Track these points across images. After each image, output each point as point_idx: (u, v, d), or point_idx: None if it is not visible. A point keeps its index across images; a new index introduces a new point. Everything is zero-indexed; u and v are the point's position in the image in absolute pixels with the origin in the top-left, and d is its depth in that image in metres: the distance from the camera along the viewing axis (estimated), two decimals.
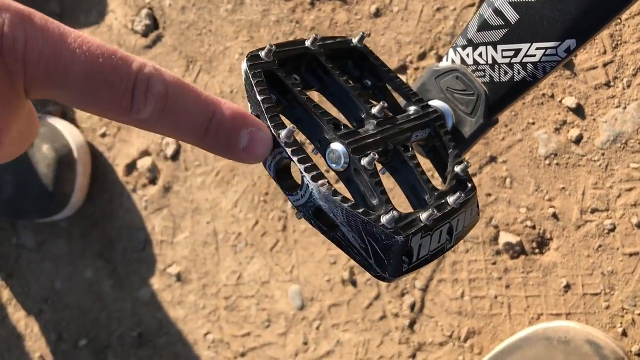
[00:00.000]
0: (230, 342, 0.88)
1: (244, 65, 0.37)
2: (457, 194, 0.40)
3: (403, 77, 0.75)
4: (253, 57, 0.38)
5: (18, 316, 1.04)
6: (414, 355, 0.76)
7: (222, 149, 0.30)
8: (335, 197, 0.34)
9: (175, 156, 0.90)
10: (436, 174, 0.45)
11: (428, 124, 0.44)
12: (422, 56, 0.75)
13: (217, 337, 0.88)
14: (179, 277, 0.90)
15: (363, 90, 0.45)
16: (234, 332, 0.87)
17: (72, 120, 0.97)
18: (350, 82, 0.42)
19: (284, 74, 0.38)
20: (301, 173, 0.35)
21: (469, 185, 0.42)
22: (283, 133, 0.35)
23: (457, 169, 0.43)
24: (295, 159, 0.35)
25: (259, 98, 0.36)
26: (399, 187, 0.42)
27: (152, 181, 0.92)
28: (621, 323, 0.67)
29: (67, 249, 0.99)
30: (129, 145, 0.93)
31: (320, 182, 0.34)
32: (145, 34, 0.91)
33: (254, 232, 0.85)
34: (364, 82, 0.46)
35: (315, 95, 0.42)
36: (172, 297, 0.91)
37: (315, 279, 0.81)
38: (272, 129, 0.35)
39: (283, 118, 0.36)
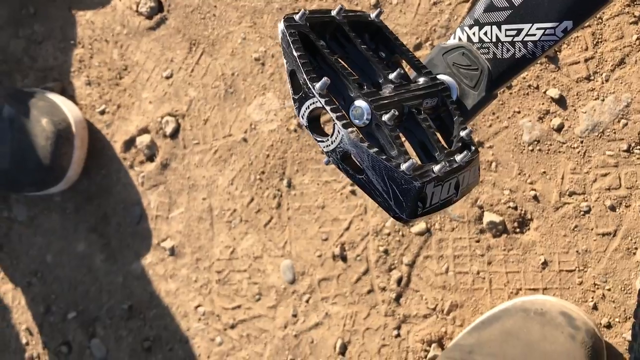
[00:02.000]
0: (220, 314, 0.91)
1: (281, 26, 0.42)
2: (464, 152, 0.45)
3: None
4: (289, 19, 0.42)
5: (5, 289, 1.05)
6: (399, 327, 0.81)
7: None
8: (363, 144, 0.38)
9: (174, 134, 0.93)
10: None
11: (436, 93, 0.49)
12: (417, 46, 0.80)
13: (208, 309, 0.92)
14: (172, 252, 0.93)
15: (380, 61, 0.49)
16: (224, 304, 0.91)
17: (72, 97, 0.99)
18: (370, 52, 0.46)
19: (315, 36, 0.43)
20: (334, 121, 0.39)
21: (473, 147, 0.47)
22: (318, 85, 0.39)
23: (463, 133, 0.48)
24: (328, 108, 0.39)
25: (296, 54, 0.40)
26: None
27: (150, 158, 0.95)
28: (592, 298, 0.73)
29: (60, 223, 1.01)
30: (128, 122, 0.96)
31: (350, 129, 0.39)
32: (149, 16, 0.95)
33: (248, 209, 0.89)
34: (379, 54, 0.51)
35: None
36: (165, 270, 0.94)
37: (307, 255, 0.85)
38: (308, 81, 0.39)
39: None
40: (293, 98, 0.39)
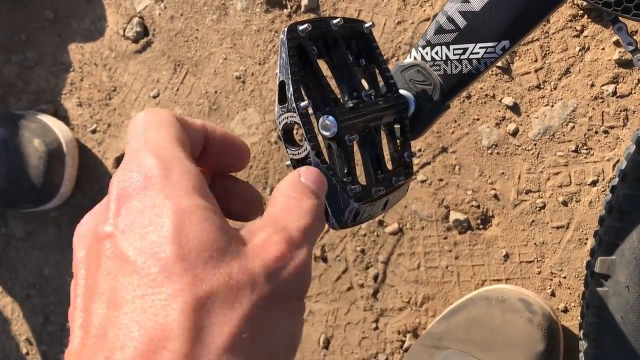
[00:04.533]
0: None
1: (282, 36, 0.46)
2: (401, 177, 0.51)
3: None
4: (291, 31, 0.47)
5: (4, 302, 1.10)
6: (377, 320, 0.88)
7: None
8: (322, 165, 0.44)
9: None
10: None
11: (397, 111, 0.56)
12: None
13: None
14: None
15: (357, 66, 0.54)
16: None
17: (64, 118, 1.05)
18: (352, 63, 0.51)
19: (312, 49, 0.48)
20: (305, 139, 0.45)
21: (410, 171, 0.53)
22: (302, 104, 0.45)
23: (405, 154, 0.53)
24: (305, 128, 0.45)
25: (290, 70, 0.46)
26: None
27: None
28: (550, 285, 0.80)
29: (56, 237, 1.06)
30: (118, 140, 1.02)
31: (316, 151, 0.45)
32: (135, 40, 1.01)
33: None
34: (359, 60, 0.56)
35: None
36: None
37: None
38: (293, 97, 0.45)
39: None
40: (277, 105, 0.45)
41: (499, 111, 0.82)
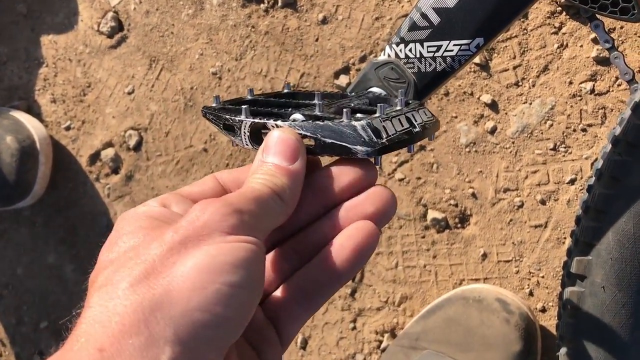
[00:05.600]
0: None
1: (203, 115, 0.47)
2: (409, 100, 0.49)
3: (346, 77, 0.86)
4: (207, 107, 0.47)
5: None
6: (354, 320, 0.87)
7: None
8: (296, 122, 0.42)
9: (137, 147, 0.98)
10: None
11: (365, 96, 0.54)
12: (363, 59, 0.86)
13: None
14: None
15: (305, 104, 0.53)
16: None
17: (37, 115, 1.03)
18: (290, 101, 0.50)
19: (232, 105, 0.47)
20: (265, 123, 0.44)
21: (419, 102, 0.50)
22: (242, 112, 0.44)
23: (397, 102, 0.50)
24: (257, 118, 0.44)
25: (218, 113, 0.45)
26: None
27: (115, 170, 0.99)
28: (528, 285, 0.80)
29: (29, 236, 1.04)
30: (92, 137, 1.01)
31: (280, 119, 0.43)
32: (110, 35, 0.99)
33: None
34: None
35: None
36: None
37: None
38: (234, 116, 0.44)
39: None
40: (235, 142, 0.44)
41: (477, 109, 0.81)
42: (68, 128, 1.02)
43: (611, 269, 0.60)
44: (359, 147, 0.39)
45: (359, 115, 0.43)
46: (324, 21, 0.88)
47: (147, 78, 0.97)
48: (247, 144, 0.44)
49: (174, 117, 0.96)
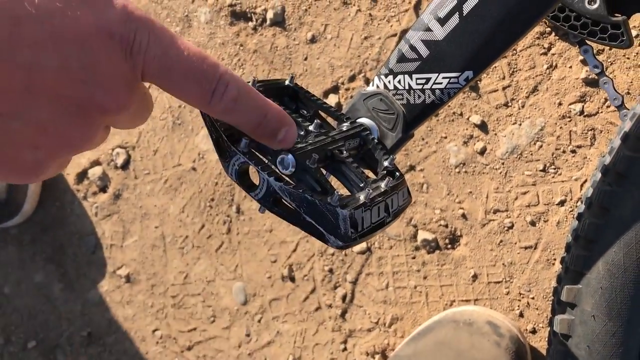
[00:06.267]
0: (177, 337, 0.95)
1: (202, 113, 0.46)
2: (387, 179, 0.50)
3: (335, 97, 0.86)
4: None
5: None
6: (345, 341, 0.86)
7: (267, 139, 0.40)
8: (287, 186, 0.43)
9: (125, 165, 0.97)
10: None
11: (357, 134, 0.54)
12: (352, 78, 0.85)
13: (165, 333, 0.95)
14: (128, 279, 0.97)
15: (301, 117, 0.54)
16: (181, 327, 0.95)
17: None
18: (288, 111, 0.51)
19: None
20: (258, 171, 0.44)
21: (397, 174, 0.52)
22: (241, 145, 0.44)
23: (386, 162, 0.52)
24: (252, 162, 0.44)
25: (217, 123, 0.45)
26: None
27: (103, 189, 0.98)
28: (519, 306, 0.80)
29: (17, 254, 1.03)
30: (79, 155, 0.99)
31: (274, 176, 0.44)
32: None
33: (200, 235, 0.93)
34: (300, 112, 0.56)
35: None
36: (122, 297, 0.98)
37: (258, 276, 0.90)
38: (229, 144, 0.44)
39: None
40: (221, 161, 0.44)
41: (467, 129, 0.81)
42: None
43: (601, 298, 0.60)
44: (332, 238, 0.40)
45: (344, 201, 0.44)
46: (313, 40, 0.87)
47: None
48: (232, 176, 0.44)
49: (162, 135, 0.95)
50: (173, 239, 0.95)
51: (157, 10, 0.95)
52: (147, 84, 0.36)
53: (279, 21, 0.88)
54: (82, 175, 0.99)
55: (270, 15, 0.88)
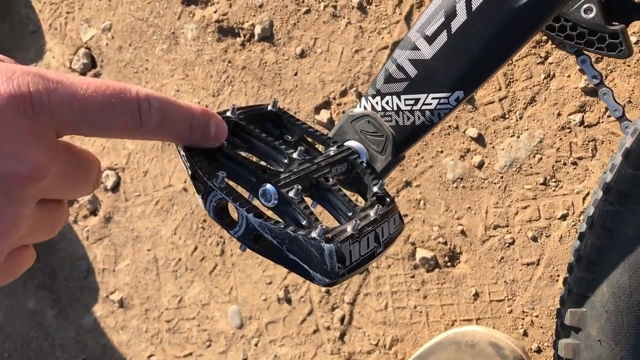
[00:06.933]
0: None
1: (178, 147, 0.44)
2: (377, 206, 0.47)
3: (327, 112, 0.83)
4: None
5: None
6: None
7: (202, 140, 0.38)
8: (267, 222, 0.41)
9: (115, 188, 0.95)
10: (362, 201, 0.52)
11: (345, 159, 0.52)
12: (343, 93, 0.83)
13: (161, 358, 0.93)
14: (121, 304, 0.95)
15: (285, 143, 0.52)
16: (176, 353, 0.92)
17: None
18: (270, 138, 0.49)
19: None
20: (236, 207, 0.41)
21: (388, 199, 0.49)
22: (217, 180, 0.41)
23: (375, 188, 0.50)
24: (229, 198, 0.41)
25: (193, 158, 0.42)
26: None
27: (93, 212, 0.96)
28: (522, 325, 0.77)
29: None
30: None
31: (253, 212, 0.41)
32: (83, 72, 0.96)
33: (193, 258, 0.91)
34: (284, 138, 0.53)
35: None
36: (116, 322, 0.95)
37: (253, 299, 0.88)
38: (207, 180, 0.42)
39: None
40: (198, 197, 0.42)
41: (463, 143, 0.78)
42: None
43: (607, 322, 0.57)
44: (318, 275, 0.38)
45: (329, 234, 0.41)
46: (302, 55, 0.84)
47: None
48: (210, 213, 0.42)
49: (152, 155, 0.93)
50: (166, 262, 0.92)
51: (143, 28, 0.93)
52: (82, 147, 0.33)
53: (267, 36, 0.86)
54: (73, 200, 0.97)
55: (258, 30, 0.86)
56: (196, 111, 0.37)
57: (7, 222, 0.29)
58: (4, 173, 0.28)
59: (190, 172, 0.42)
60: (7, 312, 1.01)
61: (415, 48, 0.51)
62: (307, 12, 0.84)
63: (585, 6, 0.62)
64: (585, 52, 0.64)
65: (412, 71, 0.52)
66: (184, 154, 0.42)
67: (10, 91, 0.28)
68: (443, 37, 0.50)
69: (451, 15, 0.49)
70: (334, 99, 0.83)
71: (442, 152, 0.79)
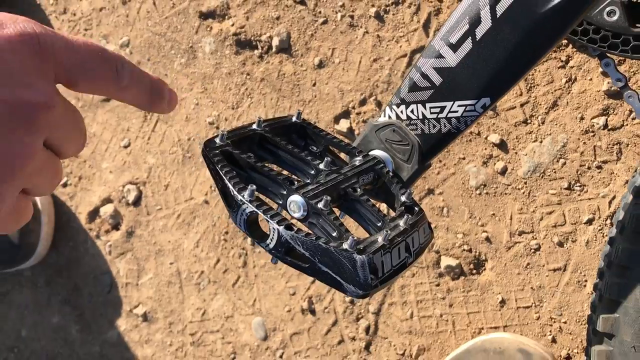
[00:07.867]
0: None
1: (202, 151, 0.44)
2: (406, 216, 0.47)
3: (346, 122, 0.83)
4: (208, 143, 0.44)
5: None
6: None
7: (159, 105, 0.40)
8: (298, 234, 0.41)
9: (137, 202, 0.95)
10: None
11: (371, 168, 0.51)
12: (362, 102, 0.83)
13: None
14: (145, 317, 0.95)
15: (311, 154, 0.52)
16: None
17: None
18: (297, 150, 0.49)
19: (239, 151, 0.45)
20: (267, 220, 0.41)
21: (416, 209, 0.49)
22: (247, 193, 0.42)
23: (403, 197, 0.50)
24: (260, 210, 0.41)
25: (222, 172, 0.42)
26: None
27: (115, 227, 0.96)
28: (550, 331, 0.76)
29: (32, 297, 1.02)
30: (90, 193, 0.98)
31: (284, 224, 0.41)
32: None
33: (216, 270, 0.91)
34: (310, 149, 0.53)
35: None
36: (140, 336, 0.95)
37: (277, 310, 0.87)
38: (237, 193, 0.42)
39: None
40: (229, 211, 0.42)
41: (486, 149, 0.78)
42: (65, 185, 0.99)
43: None
44: (351, 287, 0.38)
45: (360, 245, 0.41)
46: (321, 65, 0.85)
47: (143, 130, 0.95)
48: (241, 227, 0.42)
49: (173, 169, 0.93)
50: (189, 274, 0.92)
51: (161, 43, 0.93)
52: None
53: (285, 48, 0.86)
54: (93, 214, 0.98)
55: (275, 42, 0.86)
56: (153, 77, 0.39)
57: (23, 149, 0.30)
58: (23, 100, 0.30)
59: (219, 186, 0.42)
60: (32, 328, 1.02)
61: (440, 56, 0.51)
62: (324, 22, 0.84)
63: (608, 9, 0.62)
64: (609, 55, 0.64)
65: (437, 79, 0.52)
66: (212, 161, 0.42)
67: (20, 31, 0.31)
68: (468, 45, 0.50)
69: (476, 22, 0.49)
70: (353, 108, 0.83)
71: (464, 158, 0.79)
